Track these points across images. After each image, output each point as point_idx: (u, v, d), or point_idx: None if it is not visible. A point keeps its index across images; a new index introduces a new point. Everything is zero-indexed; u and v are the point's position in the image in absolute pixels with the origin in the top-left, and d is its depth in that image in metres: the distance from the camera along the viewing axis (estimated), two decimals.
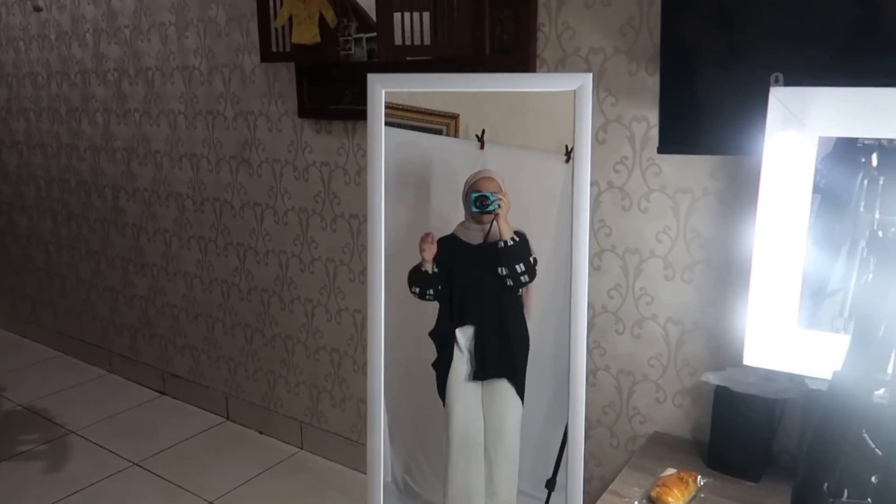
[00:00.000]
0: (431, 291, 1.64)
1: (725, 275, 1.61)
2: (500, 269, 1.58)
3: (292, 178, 2.41)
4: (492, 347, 1.64)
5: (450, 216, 1.64)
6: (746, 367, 1.52)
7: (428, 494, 1.73)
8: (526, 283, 1.59)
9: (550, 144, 1.58)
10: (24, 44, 3.34)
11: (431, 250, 1.62)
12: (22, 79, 3.41)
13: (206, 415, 2.92)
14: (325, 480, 2.43)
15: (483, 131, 1.62)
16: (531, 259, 1.58)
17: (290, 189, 2.42)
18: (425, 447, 1.74)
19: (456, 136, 1.66)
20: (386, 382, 1.65)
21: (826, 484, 0.88)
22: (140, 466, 2.54)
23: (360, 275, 2.31)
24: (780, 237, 1.30)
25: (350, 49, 2.08)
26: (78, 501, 2.33)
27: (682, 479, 1.48)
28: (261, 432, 2.75)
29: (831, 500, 0.86)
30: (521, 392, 1.63)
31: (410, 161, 1.67)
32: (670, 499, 1.42)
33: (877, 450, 0.83)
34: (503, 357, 1.64)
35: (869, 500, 0.76)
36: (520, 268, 1.57)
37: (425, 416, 1.70)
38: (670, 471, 1.53)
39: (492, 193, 1.56)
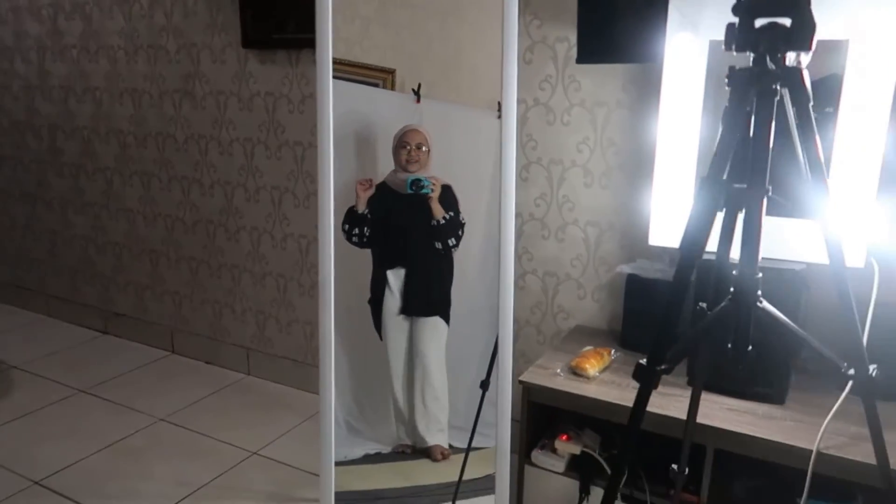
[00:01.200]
0: (357, 231, 1.73)
1: (636, 178, 1.82)
2: (435, 243, 1.72)
3: (237, 108, 2.49)
4: (418, 288, 1.78)
5: (386, 166, 1.74)
6: (654, 255, 1.74)
7: (369, 432, 1.86)
8: (455, 250, 1.74)
9: (483, 102, 1.69)
10: None
11: (367, 194, 1.72)
12: None
13: (150, 350, 2.98)
14: (272, 398, 2.55)
15: (419, 85, 1.73)
16: (460, 231, 1.72)
17: (235, 120, 2.50)
18: (365, 385, 1.86)
19: (392, 90, 1.76)
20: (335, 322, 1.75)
21: (704, 304, 1.08)
22: (86, 392, 2.59)
23: (305, 200, 2.42)
24: (677, 130, 1.50)
25: None
26: (25, 424, 2.37)
27: (599, 352, 1.69)
28: (207, 362, 2.83)
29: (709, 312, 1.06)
30: (446, 323, 1.77)
31: (349, 113, 1.74)
32: (587, 366, 1.63)
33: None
34: (428, 296, 1.79)
35: (731, 289, 0.96)
36: (451, 241, 1.73)
37: (364, 354, 1.83)
38: (588, 348, 1.73)
39: (425, 178, 1.68)
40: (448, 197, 1.72)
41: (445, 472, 1.81)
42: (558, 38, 1.84)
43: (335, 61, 1.69)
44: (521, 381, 1.63)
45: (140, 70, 2.70)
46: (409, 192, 1.68)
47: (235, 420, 2.39)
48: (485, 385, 1.83)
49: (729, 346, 0.98)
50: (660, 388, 1.55)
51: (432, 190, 1.68)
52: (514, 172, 1.66)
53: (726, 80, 0.90)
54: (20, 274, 3.44)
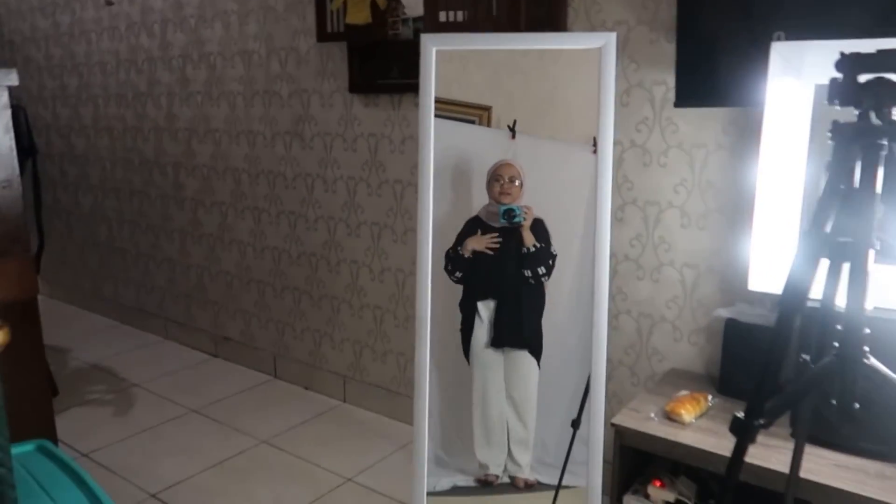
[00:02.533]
0: (460, 274, 1.79)
1: (736, 221, 1.79)
2: (525, 272, 1.75)
3: (342, 149, 2.64)
4: (508, 319, 1.80)
5: (480, 200, 1.78)
6: (753, 300, 1.70)
7: (456, 463, 1.88)
8: (546, 281, 1.76)
9: (579, 137, 1.72)
10: (95, 35, 3.65)
11: (477, 244, 1.78)
12: (92, 67, 3.72)
13: (254, 374, 3.16)
14: (367, 426, 2.64)
15: (514, 122, 1.77)
16: (550, 261, 1.75)
17: (340, 159, 2.66)
18: (453, 416, 1.88)
19: (489, 126, 1.80)
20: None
21: (808, 357, 1.06)
22: (197, 413, 2.78)
23: (403, 236, 2.52)
24: (780, 174, 1.48)
25: (398, 28, 2.32)
26: (144, 439, 2.57)
27: (695, 397, 1.66)
28: (306, 388, 2.97)
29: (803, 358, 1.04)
30: (537, 359, 1.79)
31: (446, 149, 1.80)
32: (683, 411, 1.60)
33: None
34: (518, 328, 1.81)
35: (836, 344, 0.94)
36: (541, 270, 1.75)
37: (454, 385, 1.85)
38: (684, 392, 1.70)
39: (518, 207, 1.72)
40: (539, 230, 1.75)
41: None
42: (655, 81, 1.86)
43: (434, 99, 1.76)
44: (613, 424, 1.63)
45: (256, 114, 2.92)
46: (502, 222, 1.72)
47: (331, 446, 2.49)
48: (576, 424, 1.82)
49: (833, 402, 0.96)
50: (762, 440, 1.51)
51: (524, 218, 1.71)
52: (610, 212, 1.68)
53: (829, 135, 0.90)
54: (142, 298, 3.75)
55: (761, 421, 0.94)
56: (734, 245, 1.79)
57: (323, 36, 2.51)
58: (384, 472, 2.31)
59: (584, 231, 1.76)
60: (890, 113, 0.85)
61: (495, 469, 1.85)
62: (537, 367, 1.81)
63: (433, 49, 1.67)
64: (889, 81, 0.84)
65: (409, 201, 2.47)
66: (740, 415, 0.97)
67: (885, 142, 0.85)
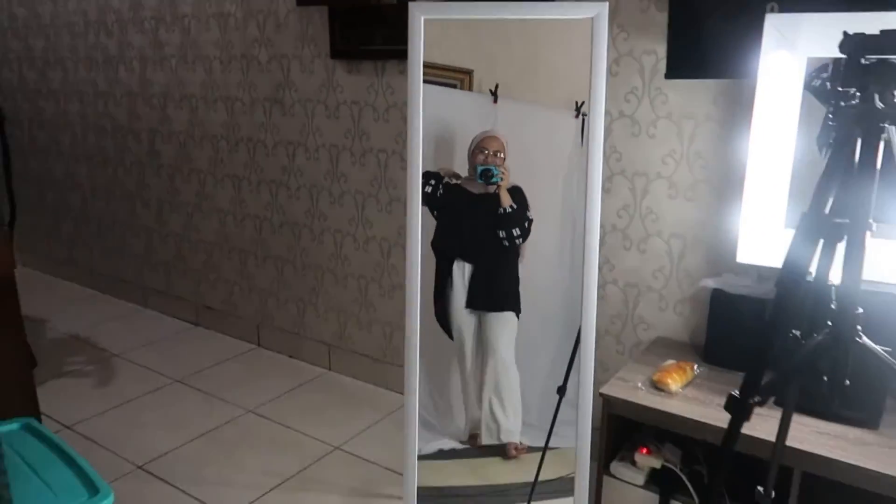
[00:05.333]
0: (441, 194, 1.75)
1: (723, 192, 1.80)
2: (499, 233, 1.76)
3: (324, 116, 2.59)
4: (483, 281, 1.81)
5: (462, 166, 1.77)
6: (740, 271, 1.72)
7: (442, 427, 1.91)
8: (520, 244, 1.77)
9: (561, 100, 1.71)
10: None
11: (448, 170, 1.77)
12: (59, 29, 3.58)
13: (238, 342, 3.14)
14: (353, 394, 2.65)
15: (497, 86, 1.74)
16: (526, 223, 1.75)
17: (322, 127, 2.61)
18: (437, 380, 1.90)
19: (470, 90, 1.78)
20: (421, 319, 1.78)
21: (798, 332, 1.08)
22: (181, 382, 2.76)
23: (387, 206, 2.50)
24: (770, 147, 1.48)
25: None
26: (128, 410, 2.55)
27: (681, 367, 1.69)
28: (290, 356, 2.97)
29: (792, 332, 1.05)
30: (514, 317, 1.81)
31: (427, 114, 1.75)
32: (670, 381, 1.63)
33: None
34: (492, 289, 1.82)
35: (829, 322, 0.96)
36: (515, 231, 1.76)
37: (436, 349, 1.86)
38: (670, 361, 1.73)
39: (495, 167, 1.72)
40: (517, 197, 1.75)
41: (518, 471, 1.83)
42: (645, 50, 1.84)
43: None
44: (601, 394, 1.65)
45: (233, 79, 2.84)
46: (479, 182, 1.72)
47: (318, 415, 2.50)
48: (561, 391, 1.85)
49: (825, 378, 0.98)
50: None
51: (501, 178, 1.71)
52: (600, 184, 1.68)
53: (829, 116, 0.90)
54: (120, 267, 3.68)
55: (757, 398, 0.96)
56: (721, 216, 1.81)
57: None
58: (372, 440, 2.34)
59: (565, 196, 1.76)
60: (893, 96, 0.85)
61: (481, 431, 1.87)
62: (516, 327, 1.83)
63: (421, 18, 1.63)
64: (893, 64, 0.84)
65: (394, 171, 2.44)
66: (735, 393, 0.99)
67: (886, 125, 0.86)
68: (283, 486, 2.10)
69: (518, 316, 1.82)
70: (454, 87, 1.80)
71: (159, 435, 2.37)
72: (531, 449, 1.86)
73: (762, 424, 1.47)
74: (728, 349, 1.74)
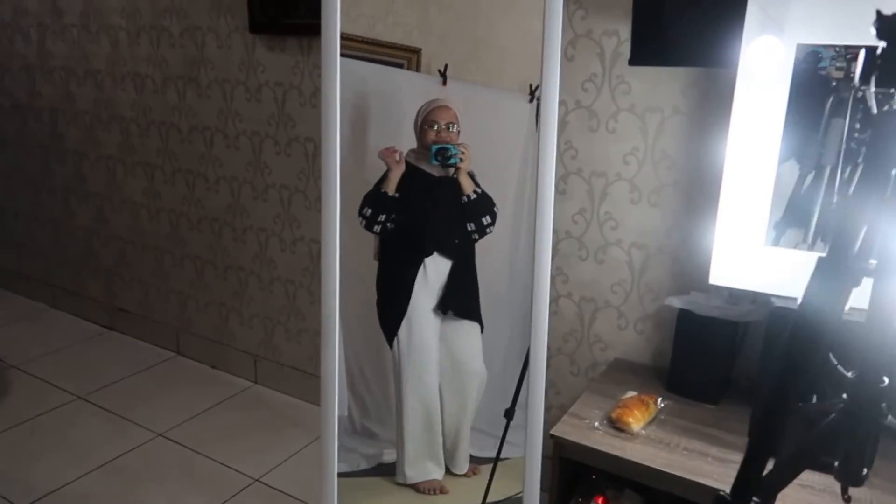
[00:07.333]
0: (383, 218, 1.51)
1: (693, 197, 1.57)
2: (467, 225, 1.51)
3: (244, 99, 2.27)
4: (456, 282, 1.57)
5: (408, 149, 1.55)
6: (710, 290, 1.50)
7: (386, 433, 1.69)
8: (489, 233, 1.53)
9: (514, 83, 1.52)
10: None
11: (399, 169, 1.51)
12: None
13: (155, 350, 2.82)
14: (280, 413, 2.38)
15: (446, 66, 1.54)
16: (494, 208, 1.51)
17: (242, 111, 2.29)
18: (382, 386, 1.69)
19: (418, 71, 1.58)
20: (342, 317, 1.56)
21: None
22: (85, 400, 2.44)
23: (317, 203, 2.21)
24: (751, 150, 1.25)
25: None
26: (17, 436, 2.22)
27: (643, 401, 1.46)
28: (213, 367, 2.67)
29: (800, 404, 0.83)
30: (481, 329, 1.60)
31: (369, 95, 1.57)
32: (631, 419, 1.41)
33: (843, 370, 0.78)
34: (465, 293, 1.59)
35: (844, 395, 0.73)
36: (486, 220, 1.52)
37: (382, 354, 1.64)
38: (631, 393, 1.51)
39: (453, 146, 1.47)
40: (485, 197, 1.51)
41: (467, 488, 1.63)
42: (606, 31, 1.59)
43: (354, 38, 1.49)
44: (552, 436, 1.42)
45: (142, 53, 2.49)
46: (434, 163, 1.46)
47: (239, 438, 2.21)
48: (509, 414, 1.63)
49: (836, 464, 0.75)
50: (717, 453, 1.34)
51: (461, 159, 1.45)
52: (553, 184, 1.43)
53: (856, 127, 0.66)
54: (25, 262, 3.30)
55: (755, 500, 0.73)
56: (689, 225, 1.58)
57: None
58: (298, 469, 2.07)
59: (518, 189, 1.55)
60: None
61: (440, 465, 1.64)
62: (480, 339, 1.60)
63: None
64: None
65: (321, 166, 2.14)
66: (725, 494, 0.75)
67: None
68: None
69: (482, 329, 1.59)
70: (401, 66, 1.59)
71: (51, 466, 2.05)
72: (480, 461, 1.65)
73: (733, 473, 1.25)
74: (696, 378, 1.53)
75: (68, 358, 2.76)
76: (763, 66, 1.21)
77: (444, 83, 1.55)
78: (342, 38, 1.42)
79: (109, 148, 2.74)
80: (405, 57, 1.58)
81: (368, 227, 1.52)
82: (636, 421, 1.41)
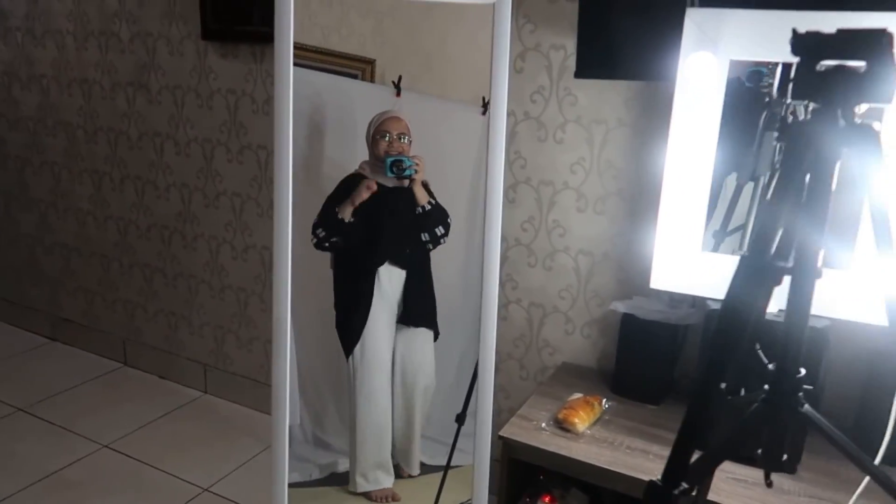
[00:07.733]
0: (336, 239, 1.55)
1: (636, 206, 1.63)
2: (422, 235, 1.54)
3: (195, 105, 2.26)
4: (413, 292, 1.60)
5: (360, 161, 1.58)
6: (652, 295, 1.56)
7: (339, 443, 1.69)
8: (443, 243, 1.56)
9: (467, 96, 1.55)
10: None
11: (364, 197, 1.52)
12: None
13: (101, 360, 2.75)
14: (231, 423, 2.35)
15: (399, 78, 1.57)
16: (448, 219, 1.55)
17: (193, 118, 2.27)
18: (336, 395, 1.69)
19: (372, 81, 1.61)
20: (294, 326, 1.57)
21: (724, 385, 0.90)
22: (25, 412, 2.36)
23: (269, 210, 2.21)
24: (688, 160, 1.31)
25: None
26: None
27: (588, 402, 1.51)
28: (162, 377, 2.62)
29: (729, 397, 0.88)
30: (435, 338, 1.63)
31: (323, 105, 1.59)
32: (576, 420, 1.45)
33: (767, 363, 0.84)
34: (423, 302, 1.62)
35: (766, 386, 0.78)
36: (440, 230, 1.55)
37: (336, 364, 1.65)
38: (577, 395, 1.55)
39: (408, 158, 1.51)
40: (439, 208, 1.55)
41: (416, 492, 1.65)
42: (553, 45, 1.64)
43: (308, 48, 1.51)
44: (501, 437, 1.45)
45: (90, 58, 2.45)
46: (390, 175, 1.49)
47: (188, 448, 2.18)
48: (460, 419, 1.66)
49: (759, 451, 0.80)
50: (658, 450, 1.39)
51: (416, 171, 1.49)
52: (501, 192, 1.47)
53: (775, 135, 0.71)
54: None
55: (684, 485, 0.77)
56: (633, 232, 1.64)
57: None
58: (248, 477, 2.05)
59: (471, 199, 1.58)
60: (853, 114, 0.67)
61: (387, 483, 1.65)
62: (433, 349, 1.63)
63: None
64: (853, 72, 0.66)
65: (273, 174, 2.14)
66: (657, 480, 0.79)
67: (844, 148, 0.68)
68: None
69: (436, 337, 1.62)
70: (355, 77, 1.62)
71: None
72: (431, 469, 1.67)
73: None
74: (639, 379, 1.58)
75: (8, 370, 2.67)
76: (698, 80, 1.27)
77: (398, 94, 1.58)
78: (296, 47, 1.44)
79: (54, 154, 2.68)
80: (359, 68, 1.61)
81: (318, 247, 1.54)
82: (581, 421, 1.45)
